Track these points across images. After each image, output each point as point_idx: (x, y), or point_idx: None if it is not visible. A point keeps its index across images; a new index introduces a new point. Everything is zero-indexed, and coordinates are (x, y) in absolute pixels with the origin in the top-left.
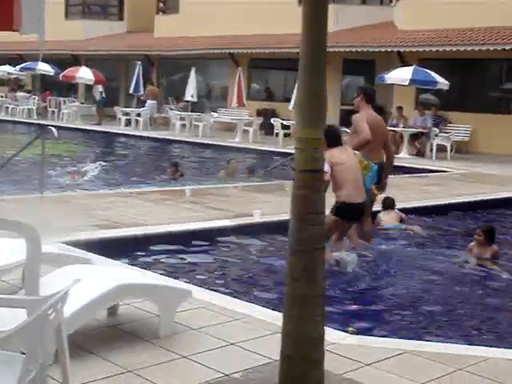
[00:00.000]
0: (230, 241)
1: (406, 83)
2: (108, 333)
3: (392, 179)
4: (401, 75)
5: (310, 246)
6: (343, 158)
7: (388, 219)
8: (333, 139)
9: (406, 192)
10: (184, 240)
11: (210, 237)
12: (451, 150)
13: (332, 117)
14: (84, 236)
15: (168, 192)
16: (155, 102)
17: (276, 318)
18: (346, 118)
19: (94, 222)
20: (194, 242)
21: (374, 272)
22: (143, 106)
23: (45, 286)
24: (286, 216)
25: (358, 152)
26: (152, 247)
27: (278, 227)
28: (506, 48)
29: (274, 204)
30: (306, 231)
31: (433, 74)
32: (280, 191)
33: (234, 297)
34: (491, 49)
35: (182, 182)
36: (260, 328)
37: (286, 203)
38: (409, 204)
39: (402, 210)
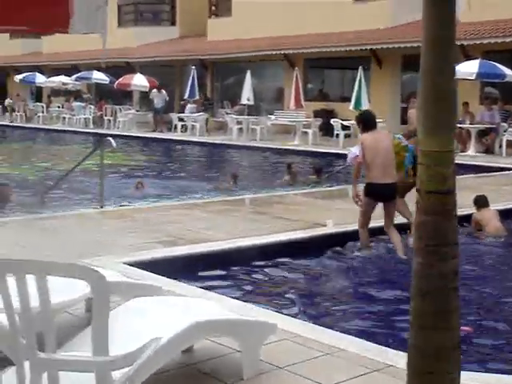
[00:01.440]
0: (306, 255)
1: (473, 77)
2: (183, 374)
3: (463, 180)
4: (466, 69)
5: (442, 285)
6: (374, 142)
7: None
8: (367, 123)
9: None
10: (255, 256)
11: (283, 251)
12: None
13: (391, 115)
14: (148, 255)
15: (232, 202)
16: (194, 105)
17: (375, 352)
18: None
19: (158, 237)
20: (265, 258)
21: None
22: (182, 112)
23: (113, 329)
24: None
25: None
26: (222, 265)
27: (357, 237)
28: None
29: (347, 212)
30: (436, 267)
31: (500, 66)
32: (350, 197)
33: (320, 325)
34: None
35: (245, 189)
36: (358, 365)
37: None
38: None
39: None
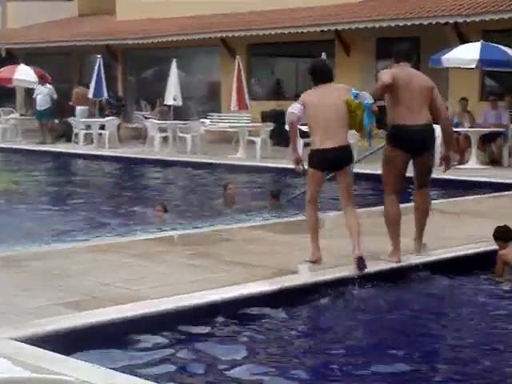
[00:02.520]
0: (269, 315)
1: (473, 65)
2: None
3: (466, 202)
4: (464, 55)
5: None
6: (316, 98)
7: None
8: (315, 75)
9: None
10: (198, 318)
11: (236, 311)
12: None
13: None
14: (51, 326)
15: (162, 240)
16: (86, 107)
17: None
18: None
19: (64, 297)
20: (209, 321)
21: None
22: (73, 115)
23: None
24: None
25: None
26: (153, 336)
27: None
28: None
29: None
30: None
31: (508, 50)
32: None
33: None
34: None
35: (176, 221)
36: None
37: (338, 247)
38: None
39: None
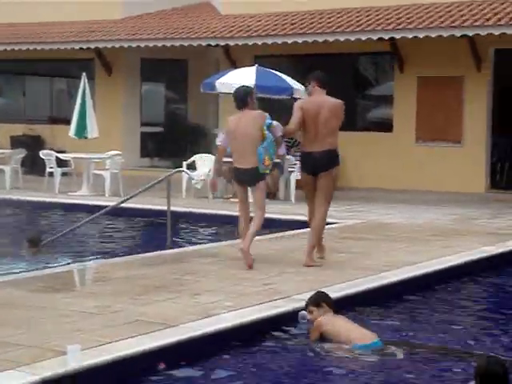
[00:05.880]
0: None
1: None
2: None
3: (265, 242)
4: (239, 80)
5: None
6: (234, 124)
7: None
8: (236, 102)
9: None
10: None
11: None
12: None
13: (129, 144)
14: None
15: None
16: None
17: None
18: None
19: None
20: None
21: None
22: None
23: None
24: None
25: (272, 122)
26: None
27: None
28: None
29: (97, 321)
30: None
31: (284, 76)
32: (93, 284)
33: None
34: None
35: None
36: None
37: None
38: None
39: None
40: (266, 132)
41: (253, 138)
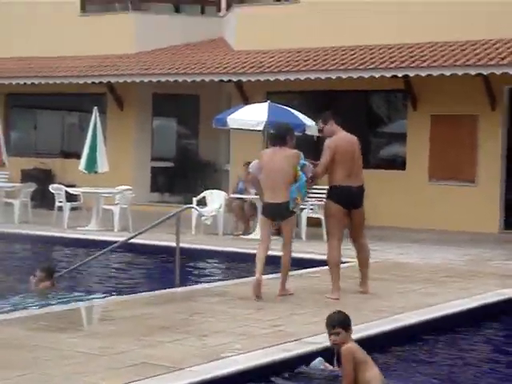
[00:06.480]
0: None
1: (261, 127)
2: None
3: (275, 281)
4: (251, 116)
5: None
6: (269, 161)
7: None
8: (272, 139)
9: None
10: None
11: None
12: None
13: (139, 179)
14: None
15: None
16: None
17: None
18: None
19: None
20: None
21: None
22: None
23: None
24: None
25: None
26: None
27: None
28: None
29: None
30: None
31: (296, 112)
32: (98, 323)
33: None
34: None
35: None
36: None
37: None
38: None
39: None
40: (300, 172)
41: (285, 174)
